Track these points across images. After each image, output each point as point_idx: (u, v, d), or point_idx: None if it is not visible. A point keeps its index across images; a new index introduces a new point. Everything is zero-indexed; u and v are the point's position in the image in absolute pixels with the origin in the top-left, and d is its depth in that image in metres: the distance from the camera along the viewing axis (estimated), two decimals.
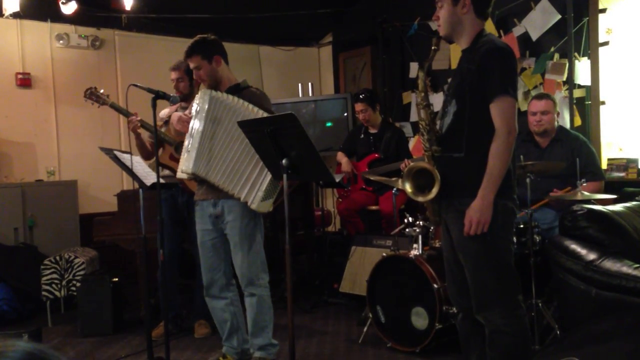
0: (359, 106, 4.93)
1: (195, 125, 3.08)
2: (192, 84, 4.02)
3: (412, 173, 2.51)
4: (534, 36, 4.83)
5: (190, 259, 4.10)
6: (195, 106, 3.11)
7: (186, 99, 4.08)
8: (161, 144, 3.88)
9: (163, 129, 4.02)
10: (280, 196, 3.20)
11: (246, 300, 3.23)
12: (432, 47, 2.49)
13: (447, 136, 2.46)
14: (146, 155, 4.10)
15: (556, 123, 3.95)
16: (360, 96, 4.94)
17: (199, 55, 3.14)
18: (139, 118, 3.89)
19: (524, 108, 4.79)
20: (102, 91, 4.04)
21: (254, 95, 3.19)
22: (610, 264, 2.87)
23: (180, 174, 3.17)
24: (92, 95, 4.02)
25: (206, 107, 3.06)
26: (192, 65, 3.18)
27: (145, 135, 4.02)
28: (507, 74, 2.35)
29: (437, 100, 5.05)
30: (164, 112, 4.14)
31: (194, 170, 3.07)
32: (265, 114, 2.98)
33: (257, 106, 3.08)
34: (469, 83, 2.36)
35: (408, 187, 2.51)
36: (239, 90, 3.21)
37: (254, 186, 3.05)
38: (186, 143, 3.12)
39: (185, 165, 3.09)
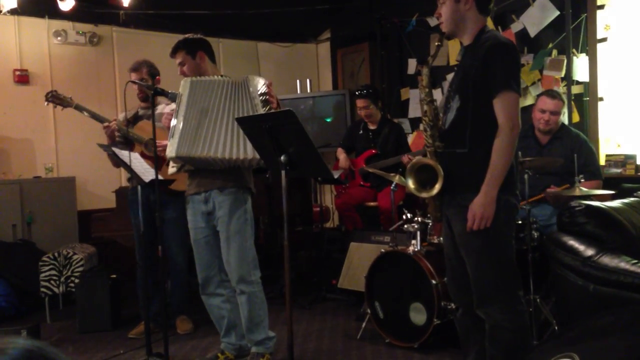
0: (361, 102, 4.87)
1: (178, 111, 3.09)
2: (154, 84, 3.83)
3: (415, 169, 2.50)
4: (532, 32, 4.83)
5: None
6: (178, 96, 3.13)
7: (147, 100, 4.01)
8: (132, 144, 3.78)
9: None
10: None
11: (238, 297, 3.23)
12: (436, 44, 2.49)
13: (450, 132, 2.46)
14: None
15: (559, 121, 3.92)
16: (363, 92, 4.86)
17: (183, 51, 3.24)
18: (115, 122, 3.82)
19: (522, 104, 4.80)
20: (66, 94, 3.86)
21: None
22: (608, 260, 2.88)
23: (171, 170, 3.18)
24: (54, 98, 3.81)
25: (187, 92, 3.09)
26: (177, 61, 3.26)
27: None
28: (511, 69, 2.35)
29: (435, 96, 5.04)
30: (122, 116, 4.10)
31: (177, 154, 3.03)
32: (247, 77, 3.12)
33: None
34: (472, 79, 2.36)
35: (411, 183, 2.51)
36: None
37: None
38: (170, 132, 3.11)
39: (168, 151, 3.07)
